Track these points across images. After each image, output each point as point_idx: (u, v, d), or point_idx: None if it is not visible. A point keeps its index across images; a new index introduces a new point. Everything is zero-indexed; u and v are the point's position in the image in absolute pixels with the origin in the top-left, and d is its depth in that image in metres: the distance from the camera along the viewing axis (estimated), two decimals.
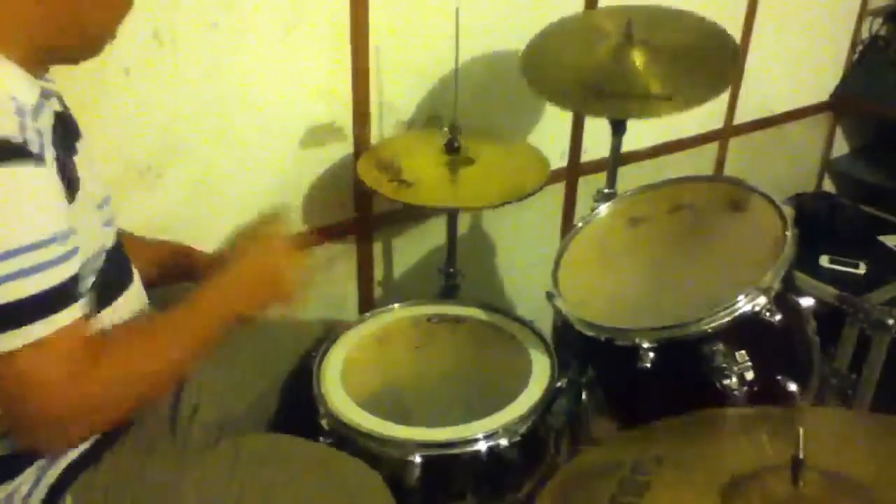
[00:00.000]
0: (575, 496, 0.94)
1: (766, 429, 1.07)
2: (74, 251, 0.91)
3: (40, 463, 1.03)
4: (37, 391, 0.87)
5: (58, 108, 1.04)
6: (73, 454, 1.06)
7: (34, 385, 0.87)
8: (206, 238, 1.67)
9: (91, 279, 1.01)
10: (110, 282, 1.07)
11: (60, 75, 1.08)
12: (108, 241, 1.09)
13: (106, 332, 1.02)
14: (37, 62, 0.96)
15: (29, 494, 1.02)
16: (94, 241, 1.03)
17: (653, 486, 0.91)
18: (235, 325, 1.09)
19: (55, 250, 0.87)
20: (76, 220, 0.94)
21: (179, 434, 1.18)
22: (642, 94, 1.52)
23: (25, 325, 0.85)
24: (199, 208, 1.64)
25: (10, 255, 0.83)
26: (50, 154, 0.91)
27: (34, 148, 0.87)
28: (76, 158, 1.02)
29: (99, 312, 1.03)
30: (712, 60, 1.60)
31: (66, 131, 1.04)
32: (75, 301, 0.90)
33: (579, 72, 1.62)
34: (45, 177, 0.88)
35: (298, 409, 1.35)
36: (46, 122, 0.96)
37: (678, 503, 0.89)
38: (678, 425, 1.08)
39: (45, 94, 0.99)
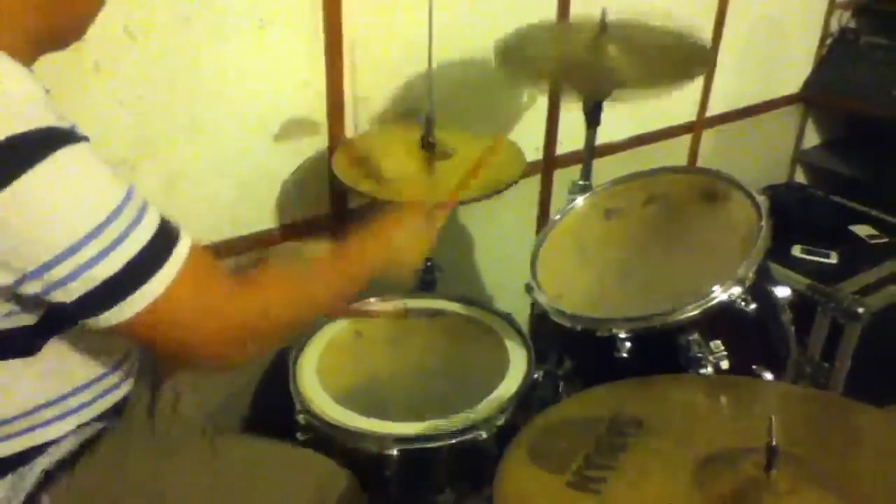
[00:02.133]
0: (550, 450, 0.94)
1: (741, 398, 1.09)
2: (146, 201, 0.93)
3: (15, 472, 1.02)
4: (191, 326, 0.93)
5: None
6: (47, 461, 1.05)
7: (185, 322, 0.93)
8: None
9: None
10: None
11: None
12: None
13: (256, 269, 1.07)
14: (29, 53, 0.95)
15: (8, 498, 1.01)
16: None
17: (629, 450, 0.92)
18: (382, 269, 1.20)
19: (136, 203, 0.90)
20: None
21: (159, 430, 1.17)
22: (616, 78, 1.52)
23: (155, 272, 0.88)
24: (174, 202, 1.63)
25: (111, 218, 0.85)
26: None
27: (80, 130, 0.89)
28: None
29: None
30: (683, 57, 1.61)
31: None
32: (179, 232, 0.94)
33: (553, 60, 1.62)
34: (93, 151, 0.90)
35: (275, 404, 1.35)
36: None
37: (651, 471, 0.89)
38: (657, 385, 1.08)
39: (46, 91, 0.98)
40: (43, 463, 1.04)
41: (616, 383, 1.09)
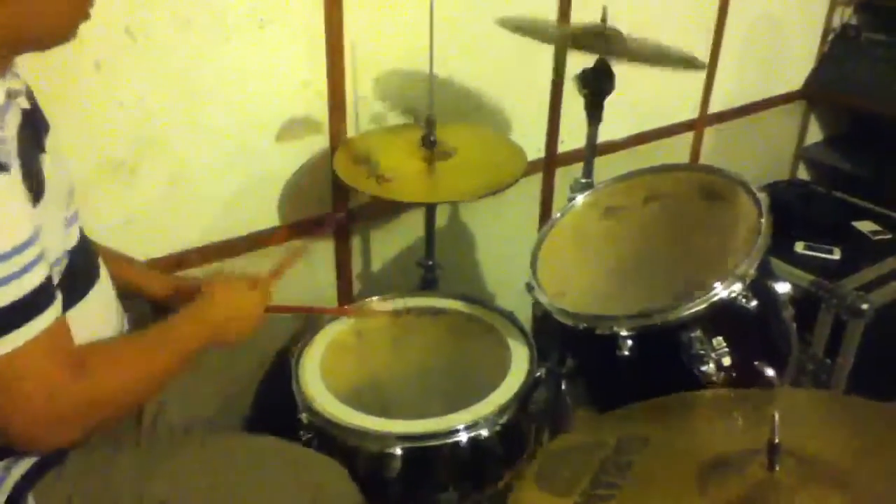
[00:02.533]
0: (557, 475, 0.94)
1: (744, 410, 1.09)
2: (41, 256, 0.91)
3: (4, 463, 1.02)
4: (19, 397, 0.89)
5: (25, 105, 1.02)
6: (34, 456, 1.04)
7: (16, 392, 0.88)
8: (181, 233, 1.66)
9: (58, 277, 1.00)
10: (77, 277, 1.06)
11: (30, 69, 1.06)
12: (74, 236, 1.08)
13: (87, 346, 1.03)
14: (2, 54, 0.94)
15: None
16: (58, 239, 1.02)
17: (635, 467, 0.92)
18: (209, 348, 1.15)
19: (27, 256, 0.87)
20: (41, 221, 0.93)
21: (144, 433, 1.17)
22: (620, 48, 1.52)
23: (10, 331, 0.86)
24: (174, 203, 1.63)
25: (3, 258, 0.83)
26: (15, 162, 0.89)
27: (1, 158, 0.86)
28: (43, 156, 1.01)
29: (68, 309, 1.02)
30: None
31: (33, 128, 1.03)
32: (49, 304, 0.91)
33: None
34: (9, 184, 0.87)
35: (277, 404, 1.35)
36: (12, 125, 0.95)
37: (657, 486, 0.89)
38: (659, 406, 1.08)
39: (11, 94, 0.97)
40: (27, 461, 1.04)
41: (622, 409, 1.09)
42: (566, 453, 1.00)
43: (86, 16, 1.01)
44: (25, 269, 0.87)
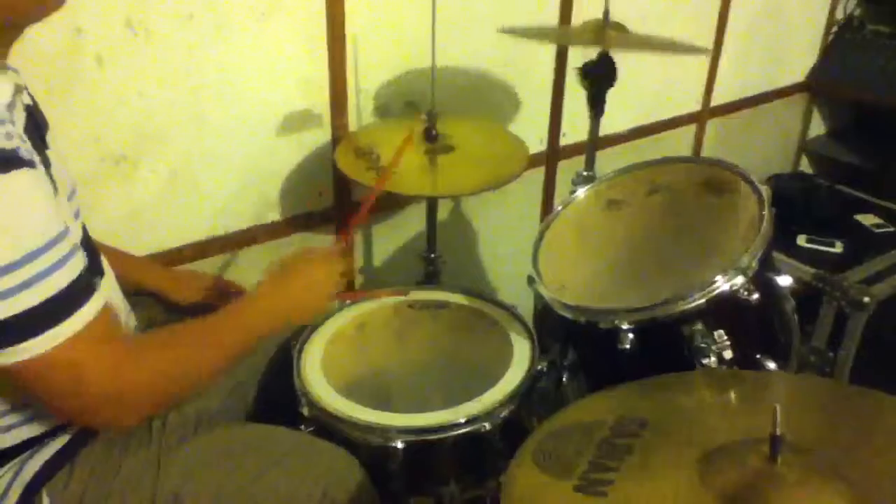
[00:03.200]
0: (555, 455, 0.94)
1: (742, 390, 1.09)
2: (77, 246, 0.91)
3: (17, 460, 1.02)
4: (82, 384, 0.90)
5: (28, 101, 1.03)
6: (48, 452, 1.05)
7: (78, 378, 0.90)
8: (183, 228, 1.66)
9: None
10: None
11: (32, 64, 1.06)
12: (78, 232, 1.08)
13: (142, 334, 1.06)
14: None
15: (5, 493, 1.01)
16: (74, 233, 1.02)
17: (634, 451, 0.92)
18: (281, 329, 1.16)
19: (65, 246, 0.88)
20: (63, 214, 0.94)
21: (156, 427, 1.17)
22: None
23: (57, 324, 0.86)
24: (176, 198, 1.63)
25: (31, 257, 0.83)
26: (35, 157, 0.90)
27: (25, 154, 0.86)
28: (48, 153, 1.01)
29: None
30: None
31: (36, 125, 1.03)
32: (94, 291, 0.92)
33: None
34: (39, 179, 0.88)
35: (279, 397, 1.35)
36: (20, 123, 0.95)
37: (657, 471, 0.89)
38: (656, 386, 1.08)
39: (18, 89, 0.97)
40: (41, 456, 1.04)
41: (619, 386, 1.09)
42: (564, 432, 0.99)
43: None
44: (63, 262, 0.87)
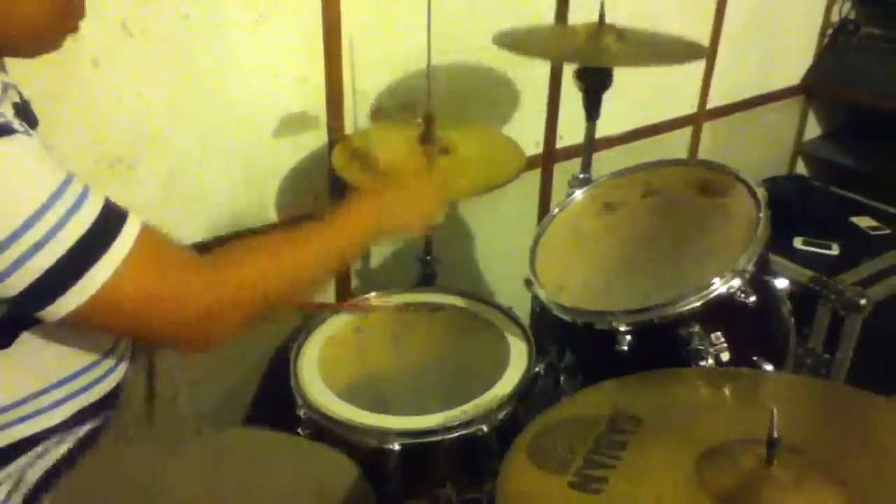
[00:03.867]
0: (550, 451, 0.94)
1: (737, 387, 1.09)
2: (87, 187, 0.89)
3: (20, 465, 1.02)
4: (153, 313, 0.89)
5: (16, 98, 1.02)
6: (48, 461, 1.04)
7: (146, 309, 0.89)
8: (179, 229, 1.66)
9: None
10: None
11: (27, 65, 1.06)
12: None
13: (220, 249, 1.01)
14: None
15: (5, 502, 1.01)
16: None
17: (629, 448, 0.92)
18: (376, 241, 1.12)
19: (75, 189, 0.86)
20: None
21: (157, 426, 1.17)
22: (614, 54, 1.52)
23: (99, 257, 0.85)
24: (173, 200, 1.63)
25: (48, 205, 0.82)
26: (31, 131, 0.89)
27: (18, 127, 0.85)
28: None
29: None
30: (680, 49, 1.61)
31: (26, 121, 1.02)
32: (126, 216, 0.90)
33: (553, 47, 1.61)
34: (36, 142, 0.87)
35: (276, 400, 1.35)
36: (9, 111, 0.94)
37: (652, 469, 0.89)
38: (651, 381, 1.08)
39: (6, 87, 0.97)
40: (42, 464, 1.03)
41: (614, 381, 1.08)
42: (559, 427, 0.99)
43: (70, 28, 0.99)
44: (79, 203, 0.85)
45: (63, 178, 0.86)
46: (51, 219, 0.83)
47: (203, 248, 1.67)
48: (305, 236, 1.06)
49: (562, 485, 0.87)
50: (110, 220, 0.88)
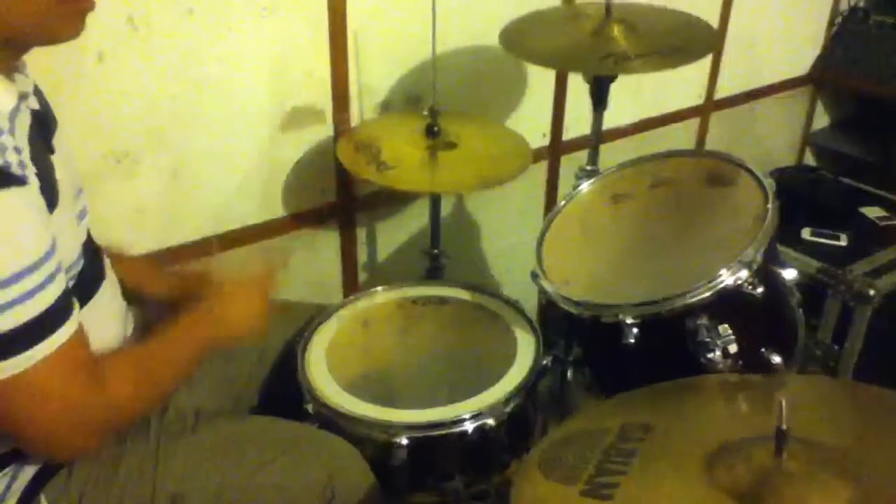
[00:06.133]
0: (561, 463, 0.94)
1: (749, 395, 1.08)
2: (58, 268, 0.90)
3: (14, 465, 1.02)
4: (39, 413, 0.90)
5: (35, 105, 1.01)
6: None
7: (36, 408, 0.90)
8: (185, 224, 1.66)
9: (73, 280, 0.99)
10: (87, 277, 1.05)
11: (32, 61, 1.05)
12: (82, 235, 1.08)
13: (102, 357, 1.02)
14: (6, 55, 0.93)
15: (3, 496, 1.01)
16: (74, 240, 1.02)
17: (639, 455, 0.91)
18: (218, 345, 1.17)
19: (46, 270, 0.87)
20: (57, 228, 0.92)
21: (154, 422, 1.17)
22: (620, 54, 1.51)
23: (30, 347, 0.86)
24: (178, 194, 1.63)
25: (14, 279, 0.83)
26: (31, 172, 0.89)
27: (16, 170, 0.85)
28: (54, 158, 0.99)
29: (80, 309, 1.01)
30: (690, 41, 1.60)
31: (42, 129, 1.01)
32: (67, 318, 0.91)
33: (559, 43, 1.61)
34: (29, 198, 0.87)
35: (283, 394, 1.35)
36: (23, 130, 0.93)
37: (663, 473, 0.89)
38: (660, 392, 1.08)
39: (22, 96, 0.96)
40: (38, 460, 1.03)
41: (623, 395, 1.09)
42: (569, 440, 0.99)
43: (90, 6, 0.96)
44: (43, 285, 0.86)
45: (46, 250, 0.87)
46: (18, 289, 0.83)
47: (210, 243, 1.69)
48: (166, 352, 1.09)
49: (573, 493, 0.87)
50: (57, 313, 0.89)
